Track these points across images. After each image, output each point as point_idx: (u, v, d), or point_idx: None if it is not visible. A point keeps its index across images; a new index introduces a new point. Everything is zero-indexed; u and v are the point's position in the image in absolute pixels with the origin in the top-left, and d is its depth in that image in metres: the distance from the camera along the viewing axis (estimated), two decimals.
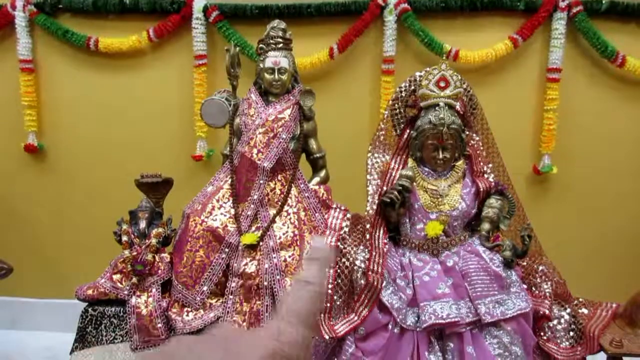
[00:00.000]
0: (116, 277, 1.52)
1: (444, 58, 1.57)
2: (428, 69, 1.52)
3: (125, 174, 2.27)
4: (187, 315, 1.49)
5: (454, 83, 1.50)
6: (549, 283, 1.51)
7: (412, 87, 1.59)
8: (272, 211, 1.57)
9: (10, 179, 2.32)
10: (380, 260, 1.46)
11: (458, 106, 1.54)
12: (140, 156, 2.28)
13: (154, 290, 1.51)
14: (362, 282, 1.44)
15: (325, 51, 2.15)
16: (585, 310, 1.53)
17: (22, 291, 2.29)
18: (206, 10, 2.13)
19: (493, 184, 1.55)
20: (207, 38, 2.16)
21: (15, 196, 2.34)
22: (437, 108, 1.50)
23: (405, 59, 2.19)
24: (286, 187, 1.59)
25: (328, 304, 1.45)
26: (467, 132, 1.58)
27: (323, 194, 1.61)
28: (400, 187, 1.48)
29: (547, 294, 1.50)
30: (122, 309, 1.50)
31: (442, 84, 1.51)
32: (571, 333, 1.49)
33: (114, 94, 2.27)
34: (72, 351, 1.50)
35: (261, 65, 1.61)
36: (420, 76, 1.55)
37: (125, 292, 1.50)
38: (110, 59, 2.24)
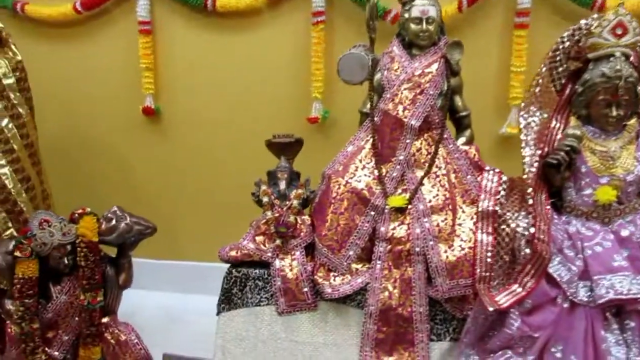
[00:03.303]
0: (259, 238, 1.47)
1: (619, 3, 1.38)
2: (599, 14, 1.35)
3: (239, 137, 2.27)
4: (334, 280, 1.42)
5: (632, 30, 1.33)
6: None
7: (577, 37, 1.42)
8: (419, 172, 1.46)
9: (129, 141, 2.34)
10: (546, 228, 1.32)
11: (632, 57, 1.35)
12: (254, 118, 2.23)
13: (297, 253, 1.45)
14: (527, 251, 1.32)
15: (453, 4, 1.99)
16: None
17: (136, 251, 2.33)
18: None
19: None
20: None
21: (132, 158, 2.36)
22: (611, 59, 1.33)
23: (540, 12, 2.00)
24: (433, 147, 1.47)
25: (487, 273, 1.34)
26: None
27: (474, 154, 1.49)
28: (568, 148, 1.33)
29: None
30: (265, 272, 1.46)
31: (618, 31, 1.33)
32: None
33: (229, 56, 2.22)
34: (219, 312, 1.48)
35: (406, 16, 1.49)
36: (587, 24, 1.39)
37: (269, 254, 1.45)
38: (226, 19, 2.17)
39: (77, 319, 1.46)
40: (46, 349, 1.44)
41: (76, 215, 1.44)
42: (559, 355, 1.30)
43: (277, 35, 2.17)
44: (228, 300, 1.48)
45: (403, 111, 1.45)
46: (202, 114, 2.28)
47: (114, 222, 1.46)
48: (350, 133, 1.63)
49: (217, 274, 1.55)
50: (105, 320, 1.48)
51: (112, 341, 1.48)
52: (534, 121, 1.45)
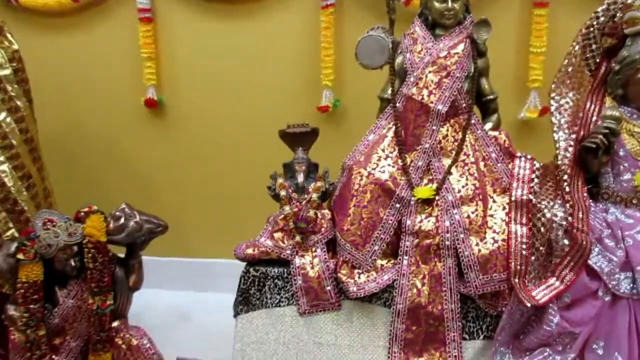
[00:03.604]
0: (277, 235, 1.39)
1: None
2: None
3: (247, 128, 2.17)
4: (359, 277, 1.33)
5: None
6: None
7: (612, 12, 1.33)
8: (446, 161, 1.38)
9: (132, 135, 2.24)
10: (585, 217, 1.24)
11: None
12: (262, 108, 2.14)
13: (318, 250, 1.36)
14: (566, 242, 1.24)
15: None
16: None
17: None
18: None
19: None
20: None
21: (135, 152, 2.27)
22: None
23: None
24: (460, 133, 1.39)
25: (523, 267, 1.26)
26: None
27: (504, 140, 1.40)
28: (607, 130, 1.25)
29: None
30: (285, 270, 1.37)
31: None
32: None
33: (234, 43, 2.12)
34: (236, 314, 1.39)
35: None
36: None
37: (288, 252, 1.37)
38: (231, 4, 2.08)
39: (85, 324, 1.37)
40: (53, 356, 1.36)
41: (82, 213, 1.35)
42: (600, 352, 1.23)
43: (284, 20, 2.08)
44: (246, 302, 1.39)
45: (428, 96, 1.37)
46: (207, 104, 2.18)
47: (122, 220, 1.37)
48: (362, 122, 1.55)
49: (228, 270, 1.47)
50: (115, 324, 1.39)
51: (123, 346, 1.39)
52: (567, 103, 1.37)
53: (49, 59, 2.20)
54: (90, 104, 2.24)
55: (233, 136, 2.19)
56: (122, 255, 1.44)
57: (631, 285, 1.22)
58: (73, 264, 1.33)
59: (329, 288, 1.34)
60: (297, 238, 1.36)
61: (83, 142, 2.27)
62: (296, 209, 1.38)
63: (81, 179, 2.28)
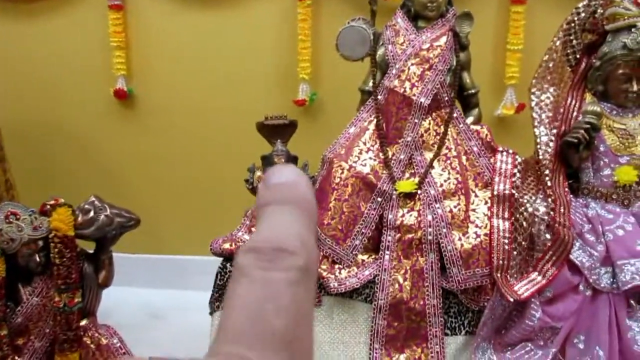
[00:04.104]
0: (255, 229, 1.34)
1: None
2: None
3: (221, 121, 2.12)
4: (340, 272, 1.30)
5: None
6: None
7: (593, 8, 1.33)
8: (428, 155, 1.36)
9: (101, 126, 2.16)
10: (566, 212, 1.24)
11: None
12: (237, 101, 2.09)
13: None
14: (548, 236, 1.23)
15: None
16: None
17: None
18: None
19: None
20: None
21: (104, 144, 2.19)
22: (633, 30, 1.25)
23: None
24: (442, 127, 1.37)
25: (505, 262, 1.25)
26: None
27: (487, 134, 1.39)
28: (588, 126, 1.25)
29: None
30: None
31: None
32: None
33: (208, 33, 2.06)
34: (212, 311, 1.34)
35: None
36: None
37: None
38: None
39: (51, 323, 1.30)
40: (16, 357, 1.28)
41: (48, 206, 1.27)
42: (581, 346, 1.23)
43: (261, 10, 2.03)
44: (223, 298, 1.34)
45: (411, 88, 1.34)
46: (180, 96, 2.12)
47: (91, 214, 1.30)
48: (339, 115, 1.52)
49: (203, 268, 1.41)
50: (83, 323, 1.32)
51: (91, 346, 1.33)
52: (548, 98, 1.37)
53: (12, 47, 2.10)
54: (57, 94, 2.14)
55: (207, 128, 2.13)
56: (91, 251, 1.37)
57: (611, 279, 1.23)
58: (38, 259, 1.26)
59: None
60: None
61: (49, 134, 2.17)
62: None
63: (47, 171, 2.19)
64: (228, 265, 1.34)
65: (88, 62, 2.10)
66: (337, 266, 1.31)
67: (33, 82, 2.13)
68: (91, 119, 2.15)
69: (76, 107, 2.15)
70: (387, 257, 1.30)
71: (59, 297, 1.27)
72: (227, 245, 1.35)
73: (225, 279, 1.34)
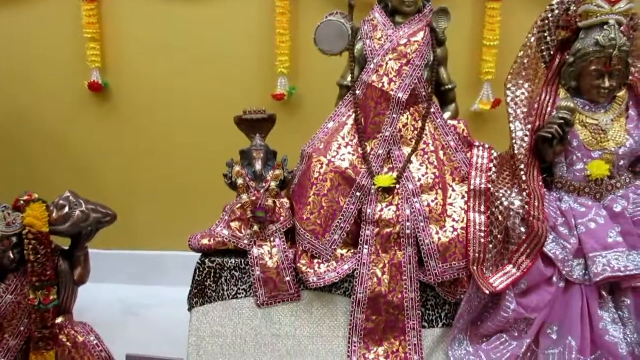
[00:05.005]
0: (234, 224, 1.34)
1: None
2: None
3: (198, 115, 2.10)
4: (319, 267, 1.31)
5: None
6: None
7: (567, 5, 1.36)
8: (407, 150, 1.37)
9: (75, 120, 2.12)
10: (540, 205, 1.27)
11: (624, 26, 1.31)
12: (215, 95, 2.07)
13: (277, 240, 1.33)
14: (522, 229, 1.26)
15: None
16: None
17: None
18: None
19: None
20: None
21: (79, 138, 2.15)
22: (605, 27, 1.27)
23: None
24: (420, 122, 1.38)
25: (481, 255, 1.27)
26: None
27: (463, 129, 1.41)
28: (562, 121, 1.28)
29: None
30: (242, 261, 1.33)
31: None
32: None
33: (184, 27, 2.04)
34: (191, 307, 1.33)
35: None
36: None
37: (246, 242, 1.32)
38: None
39: (26, 320, 1.28)
40: None
41: (22, 202, 1.25)
42: (555, 336, 1.26)
43: (238, 4, 2.01)
44: (201, 294, 1.34)
45: (389, 84, 1.35)
46: (156, 89, 2.09)
47: (67, 209, 1.27)
48: (318, 110, 1.52)
49: (180, 263, 1.40)
50: (59, 320, 1.30)
51: (68, 344, 1.31)
52: (523, 94, 1.39)
53: None
54: (30, 87, 2.10)
55: (184, 122, 2.11)
56: (66, 247, 1.35)
57: (584, 271, 1.26)
58: (12, 256, 1.24)
59: (288, 279, 1.31)
60: (255, 228, 1.32)
61: (23, 127, 2.13)
62: (254, 198, 1.33)
63: (21, 166, 2.15)
64: (207, 261, 1.34)
65: (62, 54, 2.06)
66: (316, 261, 1.32)
67: (5, 75, 2.08)
68: (65, 113, 2.11)
69: (50, 101, 2.10)
70: (365, 251, 1.31)
71: (33, 295, 1.25)
72: (205, 241, 1.34)
73: (204, 275, 1.34)
